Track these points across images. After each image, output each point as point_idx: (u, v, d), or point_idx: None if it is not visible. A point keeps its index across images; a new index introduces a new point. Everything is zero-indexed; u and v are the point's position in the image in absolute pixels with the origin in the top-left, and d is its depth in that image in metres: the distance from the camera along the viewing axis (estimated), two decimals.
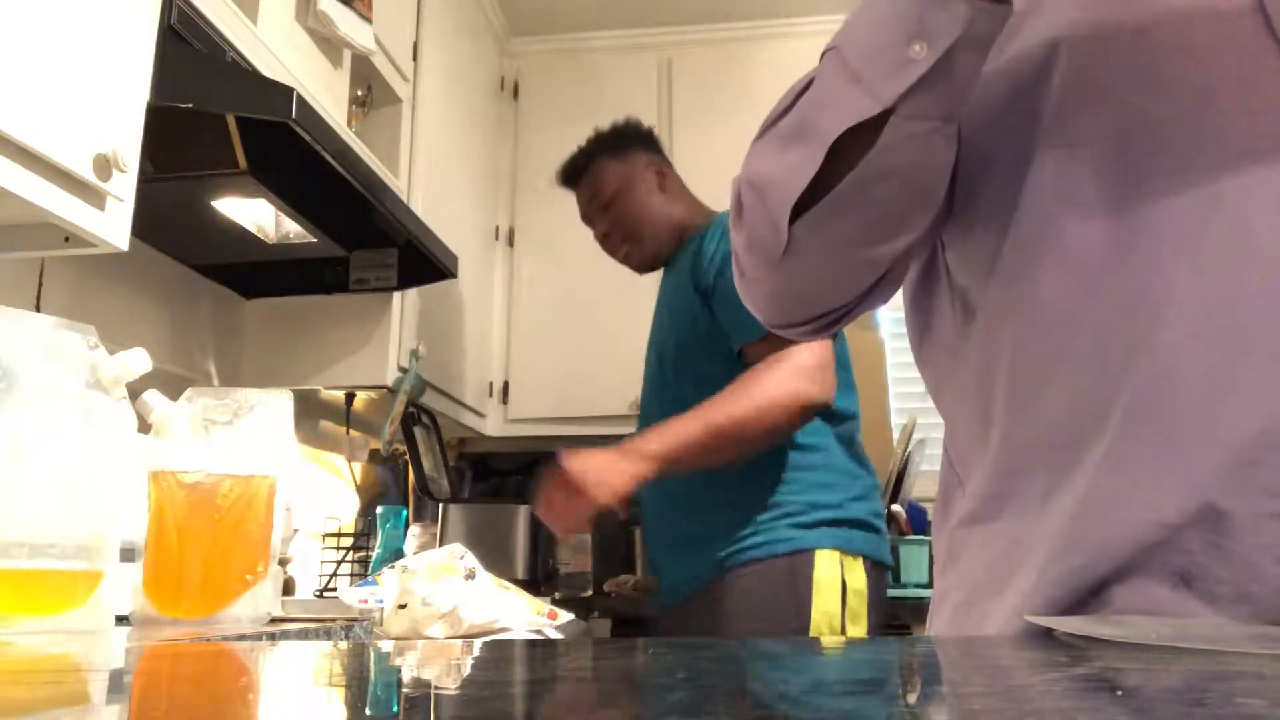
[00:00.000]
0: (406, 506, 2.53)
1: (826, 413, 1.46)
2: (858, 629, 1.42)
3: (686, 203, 1.72)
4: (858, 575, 1.43)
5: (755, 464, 1.45)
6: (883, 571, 1.50)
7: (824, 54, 0.60)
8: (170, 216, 1.61)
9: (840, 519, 1.45)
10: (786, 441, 1.45)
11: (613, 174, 1.73)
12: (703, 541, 1.49)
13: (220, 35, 1.37)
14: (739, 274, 0.71)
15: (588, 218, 1.78)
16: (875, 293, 0.67)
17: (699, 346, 1.52)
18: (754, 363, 1.42)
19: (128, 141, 1.09)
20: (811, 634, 1.39)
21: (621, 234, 1.72)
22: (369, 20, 1.85)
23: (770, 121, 0.65)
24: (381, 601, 1.12)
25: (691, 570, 1.51)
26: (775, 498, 1.46)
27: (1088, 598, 0.53)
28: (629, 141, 1.76)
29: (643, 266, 1.75)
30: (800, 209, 0.60)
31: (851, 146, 0.57)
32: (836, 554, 1.43)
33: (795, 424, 1.41)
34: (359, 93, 2.05)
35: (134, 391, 0.88)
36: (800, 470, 1.47)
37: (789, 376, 1.39)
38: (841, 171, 0.58)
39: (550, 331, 2.77)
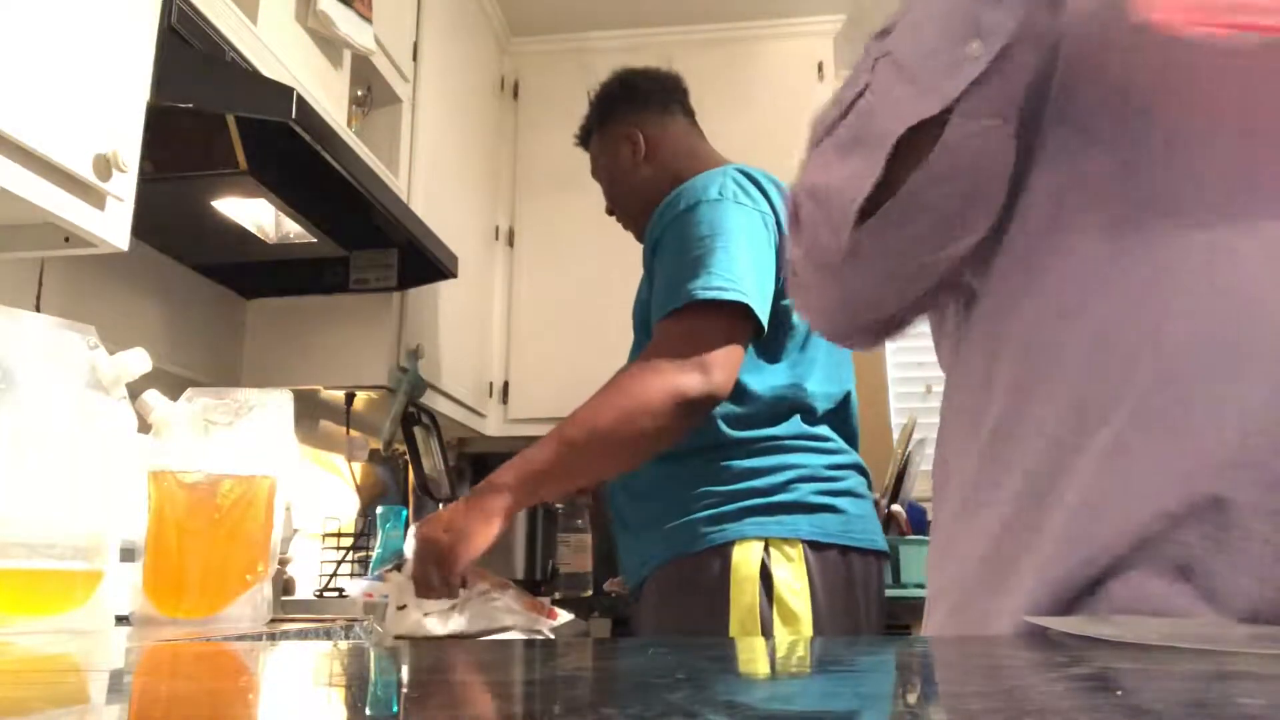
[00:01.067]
0: (406, 506, 2.53)
1: (775, 395, 1.34)
2: (796, 628, 1.25)
3: (674, 164, 1.58)
4: (794, 566, 1.27)
5: (690, 450, 1.32)
6: (845, 556, 1.31)
7: (875, 61, 0.61)
8: (170, 216, 1.61)
9: (774, 504, 1.29)
10: (723, 423, 1.33)
11: (598, 151, 1.67)
12: (641, 536, 1.38)
13: (220, 35, 1.37)
14: (796, 282, 0.71)
15: (596, 180, 1.72)
16: (931, 297, 0.67)
17: (644, 325, 1.41)
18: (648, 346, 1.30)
19: (128, 141, 1.09)
20: (731, 635, 1.26)
21: (617, 210, 1.68)
22: (369, 20, 1.85)
23: (825, 131, 0.65)
24: (386, 597, 1.13)
25: (633, 566, 1.41)
26: (700, 488, 1.32)
27: (1085, 594, 0.53)
28: (609, 110, 1.66)
29: (638, 238, 1.65)
30: (861, 216, 0.60)
31: (910, 152, 0.57)
32: (759, 544, 1.27)
33: (676, 424, 1.25)
34: (359, 93, 2.05)
35: (134, 391, 0.88)
36: (735, 456, 1.32)
37: (661, 372, 1.23)
38: (901, 177, 0.58)
39: (550, 331, 2.77)
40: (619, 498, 1.45)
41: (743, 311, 1.27)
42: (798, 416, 1.36)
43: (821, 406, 1.39)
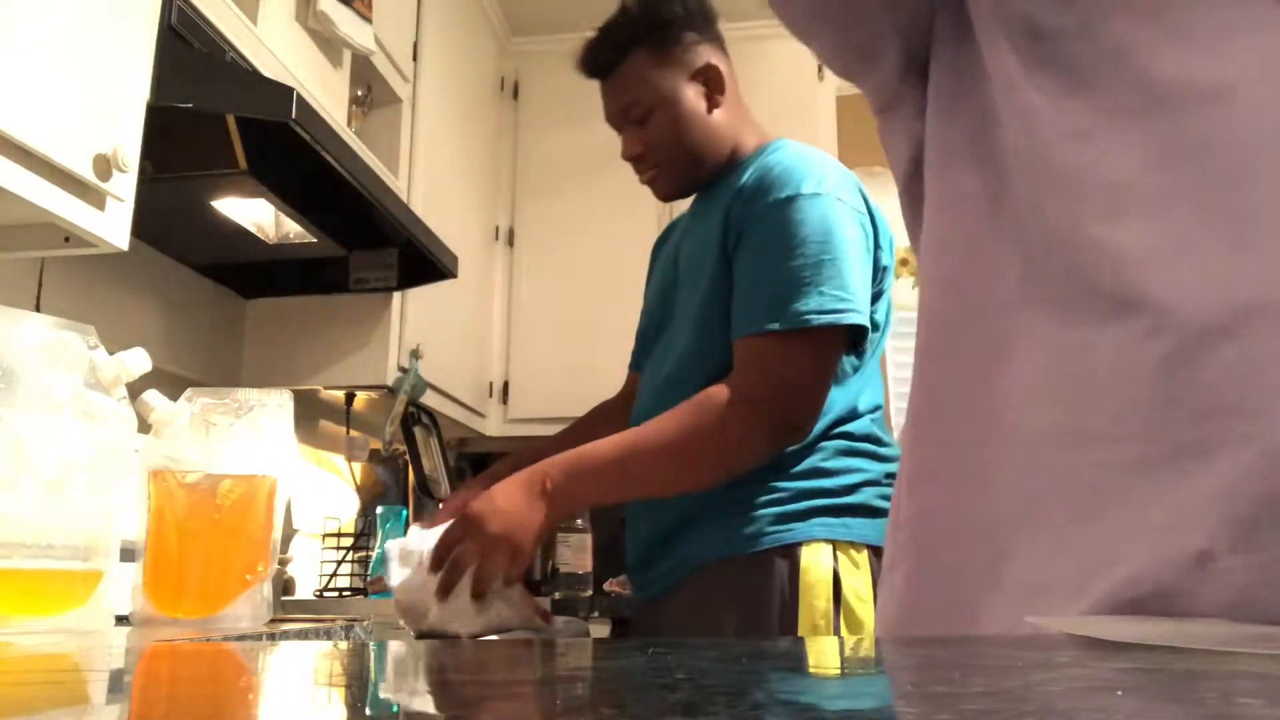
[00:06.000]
0: (406, 506, 2.53)
1: (847, 396, 1.24)
2: (861, 636, 1.16)
3: (739, 120, 1.35)
4: (860, 573, 1.19)
5: None
6: None
7: None
8: (170, 216, 1.61)
9: (841, 505, 1.20)
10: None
11: (653, 81, 1.30)
12: (679, 533, 1.26)
13: (220, 35, 1.37)
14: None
15: (614, 124, 1.36)
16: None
17: (715, 307, 1.24)
18: (738, 364, 1.17)
19: (128, 141, 1.09)
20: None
21: (654, 159, 1.33)
22: (369, 20, 1.85)
23: None
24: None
25: (666, 564, 1.28)
26: (766, 483, 1.21)
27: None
28: (679, 29, 1.32)
29: (669, 196, 1.37)
30: None
31: None
32: (829, 546, 1.18)
33: (751, 463, 1.16)
34: (359, 93, 2.05)
35: (134, 391, 0.88)
36: (805, 453, 1.21)
37: (762, 416, 1.13)
38: None
39: (550, 331, 2.77)
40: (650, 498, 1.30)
41: (852, 332, 1.18)
42: (867, 418, 1.27)
43: (877, 409, 1.30)
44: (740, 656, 0.40)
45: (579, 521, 2.39)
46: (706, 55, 1.33)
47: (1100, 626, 0.46)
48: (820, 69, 2.87)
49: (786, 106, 2.79)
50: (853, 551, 1.19)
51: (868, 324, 1.17)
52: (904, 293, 3.09)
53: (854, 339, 1.21)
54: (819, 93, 2.84)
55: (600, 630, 2.14)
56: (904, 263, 3.10)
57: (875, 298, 1.25)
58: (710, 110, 1.32)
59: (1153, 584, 0.51)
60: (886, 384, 3.08)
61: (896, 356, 3.13)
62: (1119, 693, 0.28)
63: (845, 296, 1.15)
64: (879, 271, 1.25)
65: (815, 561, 1.18)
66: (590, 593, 2.36)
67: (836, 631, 1.17)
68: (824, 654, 0.47)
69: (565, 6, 2.89)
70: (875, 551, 1.21)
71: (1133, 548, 0.52)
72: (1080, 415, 0.56)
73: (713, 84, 1.32)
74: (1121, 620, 0.50)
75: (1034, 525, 0.57)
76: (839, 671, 0.38)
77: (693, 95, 1.31)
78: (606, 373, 2.50)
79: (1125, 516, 0.53)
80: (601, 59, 1.33)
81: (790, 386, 1.16)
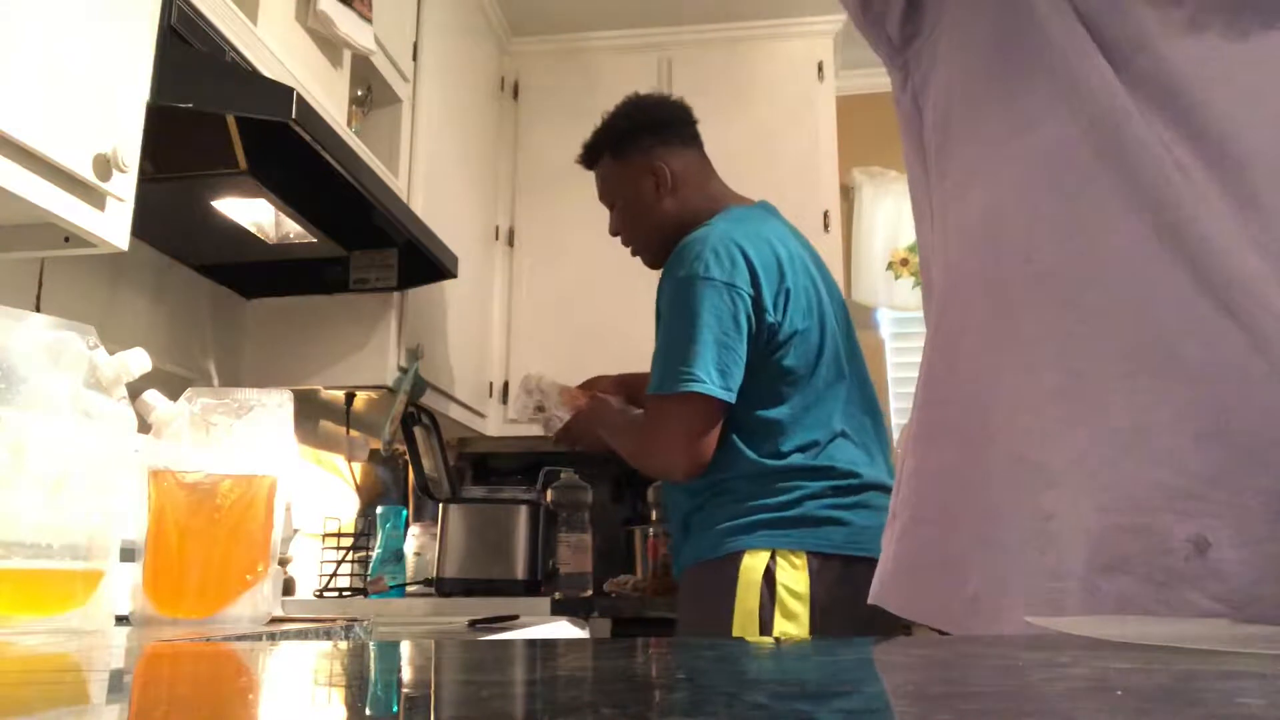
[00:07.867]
0: (406, 506, 2.53)
1: (786, 431, 1.51)
2: (795, 627, 1.41)
3: (693, 200, 1.64)
4: (797, 573, 1.42)
5: (730, 475, 1.51)
6: (850, 566, 1.43)
7: None
8: (170, 216, 1.61)
9: (783, 518, 1.46)
10: (751, 454, 1.52)
11: (613, 177, 1.69)
12: (679, 544, 1.59)
13: (220, 35, 1.37)
14: None
15: (604, 203, 1.77)
16: None
17: None
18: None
19: (128, 141, 1.09)
20: (734, 634, 1.42)
21: (626, 237, 1.73)
22: (369, 20, 1.85)
23: None
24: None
25: (676, 569, 1.62)
26: (729, 504, 1.50)
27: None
28: (630, 137, 1.67)
29: (651, 266, 1.73)
30: None
31: None
32: (767, 552, 1.44)
33: (650, 475, 1.75)
34: (359, 93, 2.05)
35: (134, 391, 0.88)
36: (757, 479, 1.50)
37: (652, 454, 1.54)
38: None
39: (550, 331, 2.77)
40: (677, 506, 1.62)
41: (704, 398, 1.46)
42: (809, 452, 1.51)
43: (828, 435, 1.52)
44: (741, 656, 0.40)
45: (579, 521, 2.40)
46: (660, 155, 1.65)
47: (1100, 626, 0.46)
48: (820, 68, 2.87)
49: (786, 106, 2.79)
50: (791, 555, 1.45)
51: (712, 390, 1.44)
52: (904, 293, 3.08)
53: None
54: (819, 93, 2.84)
55: (600, 630, 2.14)
56: (904, 263, 3.10)
57: (777, 347, 1.50)
58: (660, 200, 1.65)
59: (1143, 565, 0.51)
60: (887, 380, 3.08)
61: (895, 358, 3.13)
62: (1119, 693, 0.28)
63: (684, 370, 1.44)
64: (761, 330, 1.49)
65: (753, 564, 1.45)
66: (590, 593, 2.36)
67: (770, 620, 1.42)
68: (825, 654, 0.47)
69: (565, 6, 2.89)
70: (815, 555, 1.46)
71: (1123, 522, 0.52)
72: (1080, 380, 0.56)
73: (661, 180, 1.65)
74: (1121, 620, 0.51)
75: (1024, 488, 0.57)
76: (839, 671, 0.38)
77: (647, 189, 1.65)
78: (606, 372, 2.49)
79: (1118, 487, 0.53)
80: (584, 159, 1.74)
81: (651, 438, 1.53)
